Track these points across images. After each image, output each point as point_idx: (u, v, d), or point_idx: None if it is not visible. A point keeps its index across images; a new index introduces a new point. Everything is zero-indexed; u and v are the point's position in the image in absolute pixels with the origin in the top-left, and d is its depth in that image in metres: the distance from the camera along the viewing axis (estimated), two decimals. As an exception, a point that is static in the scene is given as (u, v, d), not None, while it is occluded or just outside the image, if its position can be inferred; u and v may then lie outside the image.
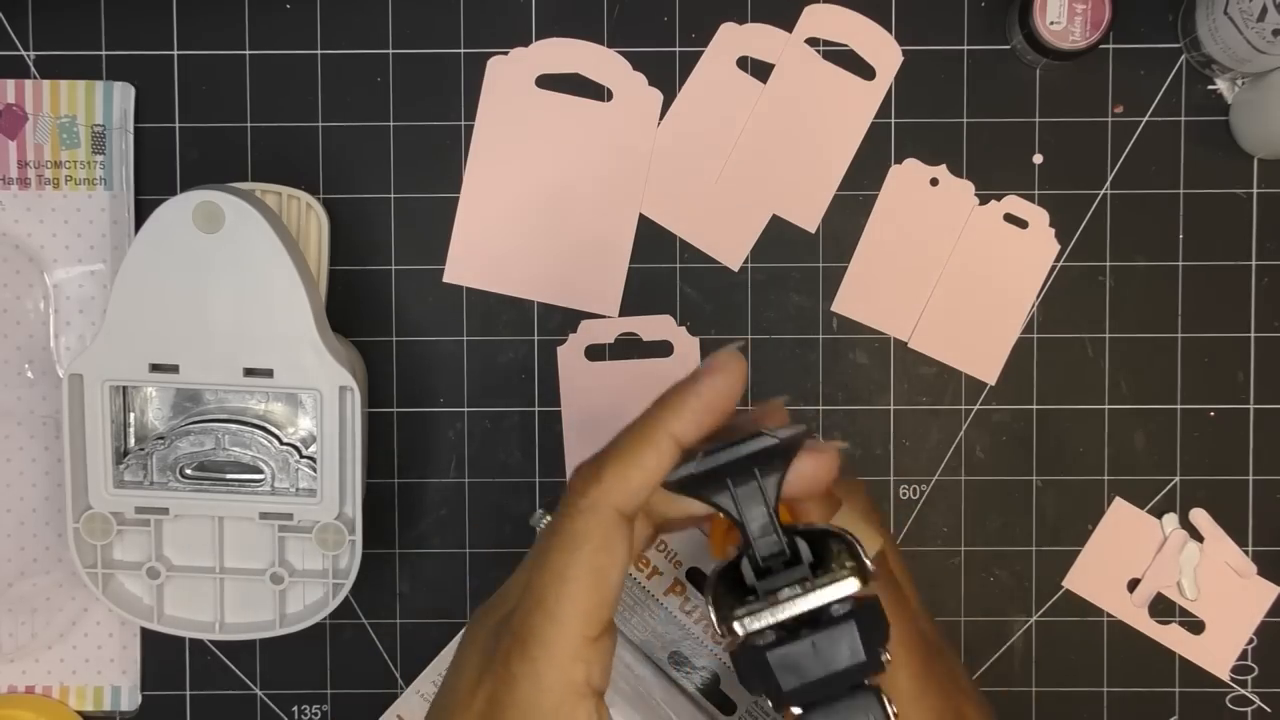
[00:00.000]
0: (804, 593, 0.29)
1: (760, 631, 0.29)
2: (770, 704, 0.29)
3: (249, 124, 0.52)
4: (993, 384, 0.53)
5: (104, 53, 0.52)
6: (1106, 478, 0.53)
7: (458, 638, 0.52)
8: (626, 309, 0.53)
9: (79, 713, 0.53)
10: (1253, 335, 0.53)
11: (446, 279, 0.53)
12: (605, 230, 0.53)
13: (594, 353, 0.53)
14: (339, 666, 0.54)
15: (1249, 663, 0.53)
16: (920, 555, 0.53)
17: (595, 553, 0.29)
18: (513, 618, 0.30)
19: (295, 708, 0.54)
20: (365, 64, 0.52)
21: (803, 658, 0.28)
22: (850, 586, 0.29)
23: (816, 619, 0.29)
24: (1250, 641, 0.53)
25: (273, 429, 0.49)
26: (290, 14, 0.52)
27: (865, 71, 0.52)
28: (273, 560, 0.49)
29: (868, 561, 0.29)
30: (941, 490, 0.53)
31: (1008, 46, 0.52)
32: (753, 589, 0.30)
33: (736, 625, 0.29)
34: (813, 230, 0.53)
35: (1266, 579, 0.53)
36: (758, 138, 0.52)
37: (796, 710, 0.29)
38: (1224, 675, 0.53)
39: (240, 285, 0.46)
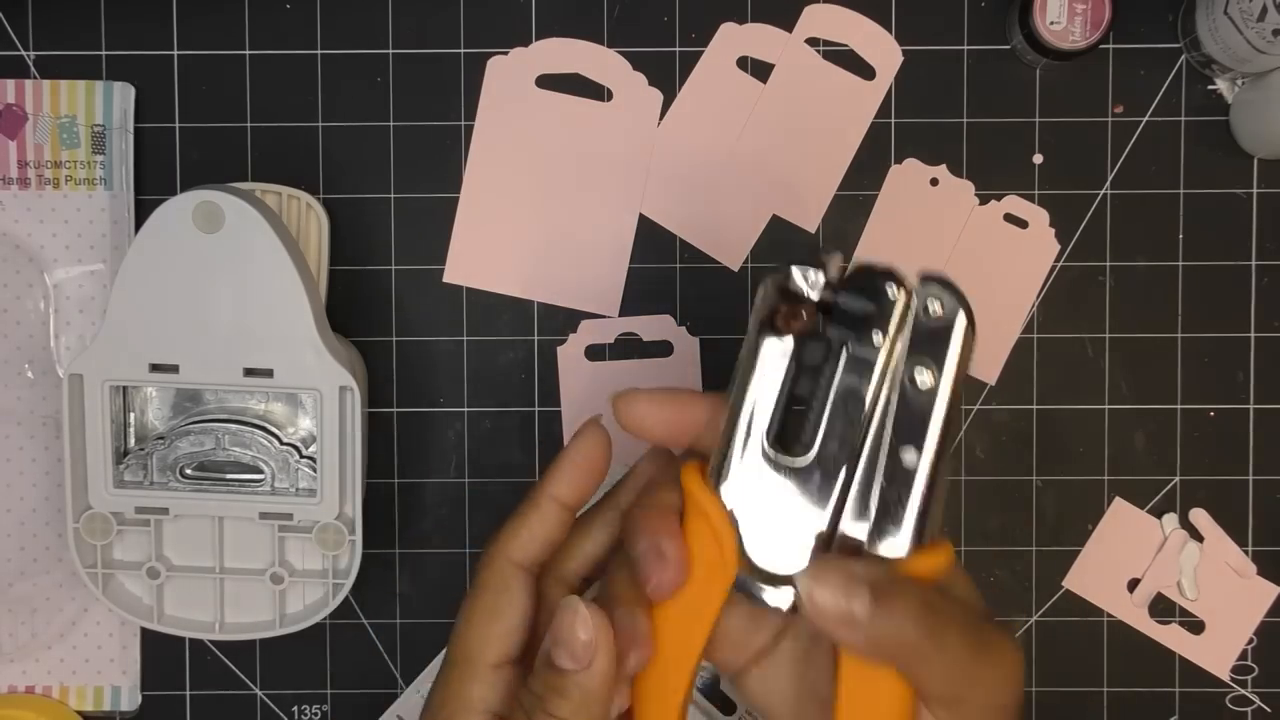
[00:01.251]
0: None
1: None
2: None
3: (249, 124, 0.52)
4: (993, 384, 0.53)
5: (104, 53, 0.52)
6: (1106, 478, 0.53)
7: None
8: (626, 309, 0.53)
9: (79, 713, 0.53)
10: (1252, 335, 0.53)
11: (446, 279, 0.53)
12: (605, 230, 0.53)
13: (594, 353, 0.53)
14: (339, 666, 0.54)
15: (1249, 663, 0.53)
16: (920, 555, 0.53)
17: (491, 595, 0.35)
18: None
19: (295, 708, 0.54)
20: (365, 64, 0.52)
21: None
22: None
23: None
24: (1250, 641, 0.53)
25: (273, 429, 0.49)
26: (290, 14, 0.52)
27: (865, 71, 0.52)
28: (273, 560, 0.49)
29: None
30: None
31: (1008, 46, 0.52)
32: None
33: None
34: (813, 230, 0.53)
35: (1266, 579, 0.53)
36: (758, 138, 0.52)
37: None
38: (1224, 675, 0.53)
39: (240, 285, 0.46)
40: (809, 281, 0.32)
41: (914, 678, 0.31)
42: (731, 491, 0.33)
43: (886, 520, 0.32)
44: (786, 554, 0.32)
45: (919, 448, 0.31)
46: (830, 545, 0.32)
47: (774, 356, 0.32)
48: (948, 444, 0.32)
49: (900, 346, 0.32)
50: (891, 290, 0.31)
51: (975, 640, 0.30)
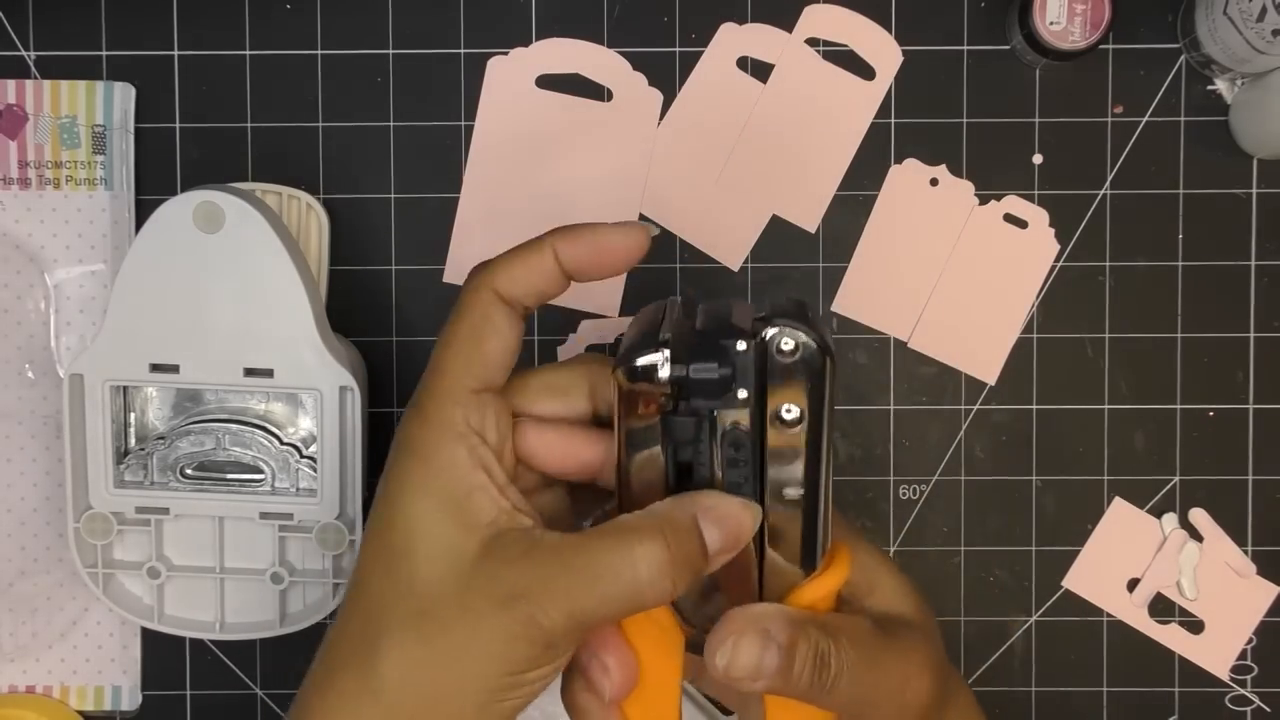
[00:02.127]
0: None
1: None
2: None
3: (249, 124, 0.52)
4: (992, 384, 0.53)
5: (104, 53, 0.52)
6: (1106, 478, 0.53)
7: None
8: (626, 309, 0.53)
9: (79, 712, 0.53)
10: (1252, 335, 0.53)
11: (446, 279, 0.53)
12: (605, 230, 0.53)
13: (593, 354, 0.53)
14: (339, 666, 0.54)
15: (1249, 662, 0.53)
16: (920, 555, 0.53)
17: (474, 321, 0.33)
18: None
19: (295, 707, 0.54)
20: (365, 64, 0.52)
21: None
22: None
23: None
24: (1250, 641, 0.53)
25: (273, 429, 0.49)
26: (290, 14, 0.52)
27: (865, 71, 0.52)
28: (273, 560, 0.49)
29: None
30: (941, 490, 0.53)
31: (1008, 46, 0.52)
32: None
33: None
34: (813, 230, 0.53)
35: (1266, 579, 0.53)
36: (758, 138, 0.52)
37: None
38: (1224, 675, 0.53)
39: (240, 285, 0.46)
40: (657, 365, 0.32)
41: (817, 705, 0.34)
42: None
43: (784, 554, 0.33)
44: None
45: (798, 480, 0.33)
46: (761, 591, 0.34)
47: (646, 443, 0.33)
48: (823, 470, 0.33)
49: (766, 389, 0.32)
50: (739, 346, 0.32)
51: (864, 672, 0.33)
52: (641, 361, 0.32)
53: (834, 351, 0.32)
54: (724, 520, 0.32)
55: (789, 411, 0.32)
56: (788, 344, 0.32)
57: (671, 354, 0.32)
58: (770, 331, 0.32)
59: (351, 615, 0.33)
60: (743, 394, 0.32)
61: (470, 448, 0.33)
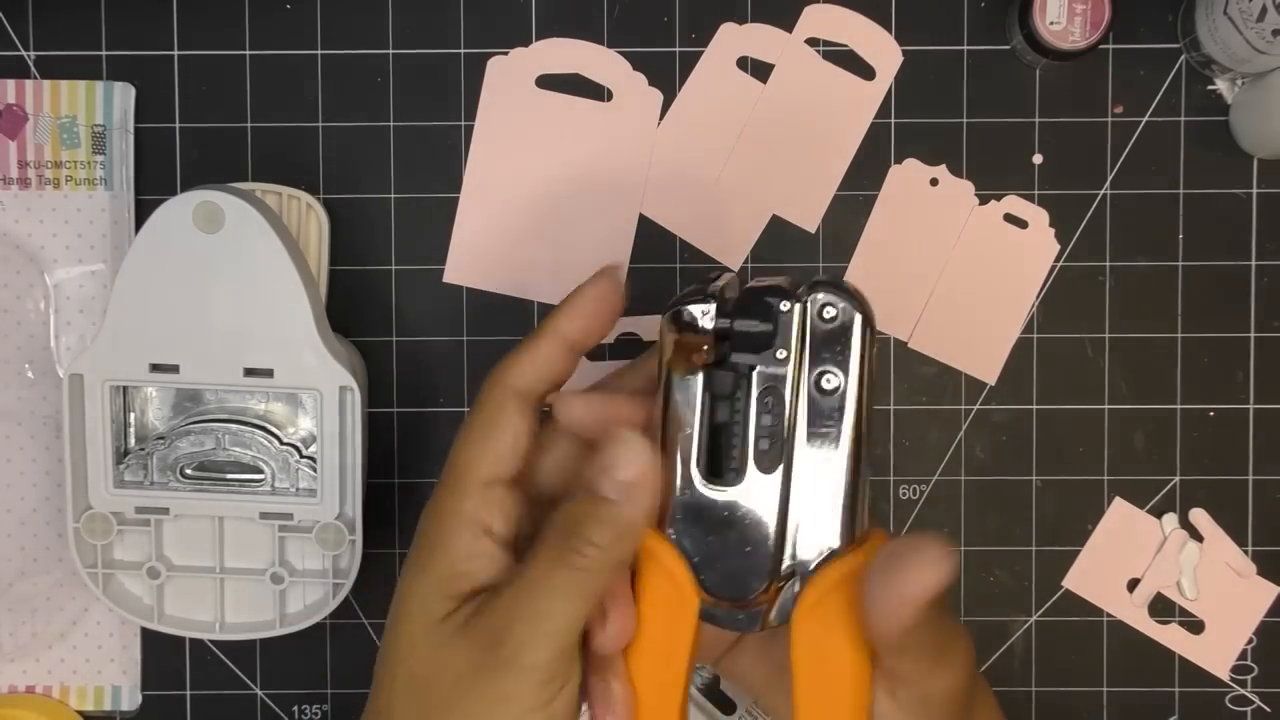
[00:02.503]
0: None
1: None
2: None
3: (249, 124, 0.52)
4: (993, 384, 0.53)
5: (104, 53, 0.52)
6: (1106, 478, 0.53)
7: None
8: (626, 309, 0.53)
9: (79, 712, 0.53)
10: (1252, 335, 0.53)
11: (446, 279, 0.53)
12: (605, 230, 0.53)
13: (594, 353, 0.53)
14: (339, 666, 0.54)
15: (1249, 662, 0.53)
16: (920, 555, 0.53)
17: (486, 418, 0.36)
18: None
19: (295, 708, 0.54)
20: (365, 64, 0.52)
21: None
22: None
23: None
24: (1250, 641, 0.53)
25: (273, 429, 0.49)
26: (290, 14, 0.52)
27: (865, 71, 0.52)
28: (273, 560, 0.49)
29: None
30: (941, 490, 0.53)
31: (1008, 46, 0.52)
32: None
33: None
34: (813, 230, 0.53)
35: (1266, 579, 0.53)
36: (758, 138, 0.52)
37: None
38: (1224, 675, 0.53)
39: (240, 285, 0.46)
40: (703, 315, 0.34)
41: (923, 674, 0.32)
42: (679, 530, 0.33)
43: (820, 525, 0.33)
44: (743, 581, 0.33)
45: (836, 449, 0.33)
46: (780, 561, 0.33)
47: (686, 394, 0.33)
48: (862, 441, 0.33)
49: (805, 356, 0.33)
50: (783, 306, 0.33)
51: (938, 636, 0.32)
52: (689, 309, 0.34)
53: (875, 322, 0.33)
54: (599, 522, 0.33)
55: (828, 377, 0.33)
56: (831, 311, 0.33)
57: (718, 308, 0.33)
58: (817, 296, 0.33)
59: (375, 693, 0.36)
60: (781, 353, 0.33)
61: (473, 536, 0.35)
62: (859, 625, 0.32)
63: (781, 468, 0.33)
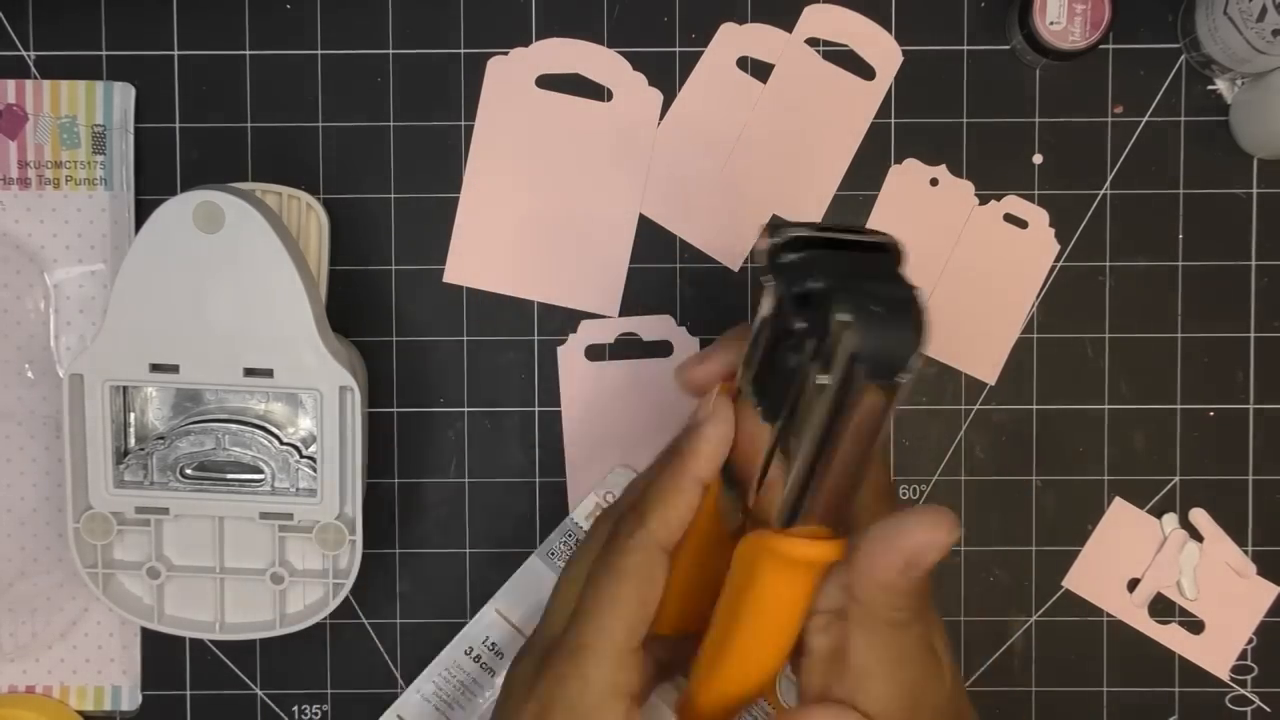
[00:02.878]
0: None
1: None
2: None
3: (249, 124, 0.52)
4: (993, 384, 0.53)
5: (104, 53, 0.52)
6: (1106, 478, 0.53)
7: (456, 640, 0.52)
8: (626, 309, 0.53)
9: (79, 712, 0.53)
10: (1252, 335, 0.53)
11: (446, 279, 0.53)
12: (605, 230, 0.53)
13: (594, 353, 0.53)
14: (339, 666, 0.54)
15: (1249, 663, 0.53)
16: (920, 555, 0.53)
17: (642, 583, 0.35)
18: (564, 636, 0.36)
19: (295, 708, 0.54)
20: (365, 64, 0.52)
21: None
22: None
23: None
24: (1250, 641, 0.53)
25: (273, 429, 0.49)
26: (290, 14, 0.52)
27: (865, 71, 0.52)
28: (273, 560, 0.49)
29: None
30: (941, 490, 0.53)
31: (1008, 46, 0.52)
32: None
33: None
34: (813, 230, 0.53)
35: (1266, 579, 0.53)
36: (758, 138, 0.52)
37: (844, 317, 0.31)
38: (1224, 675, 0.53)
39: (240, 285, 0.46)
40: (802, 235, 0.33)
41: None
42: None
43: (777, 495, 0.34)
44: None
45: (803, 435, 0.32)
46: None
47: (765, 306, 0.34)
48: (830, 442, 0.32)
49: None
50: (830, 320, 0.31)
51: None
52: (792, 232, 0.33)
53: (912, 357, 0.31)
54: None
55: (821, 377, 0.32)
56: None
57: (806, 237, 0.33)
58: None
59: None
60: (810, 345, 0.31)
61: (625, 709, 0.35)
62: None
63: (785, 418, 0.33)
